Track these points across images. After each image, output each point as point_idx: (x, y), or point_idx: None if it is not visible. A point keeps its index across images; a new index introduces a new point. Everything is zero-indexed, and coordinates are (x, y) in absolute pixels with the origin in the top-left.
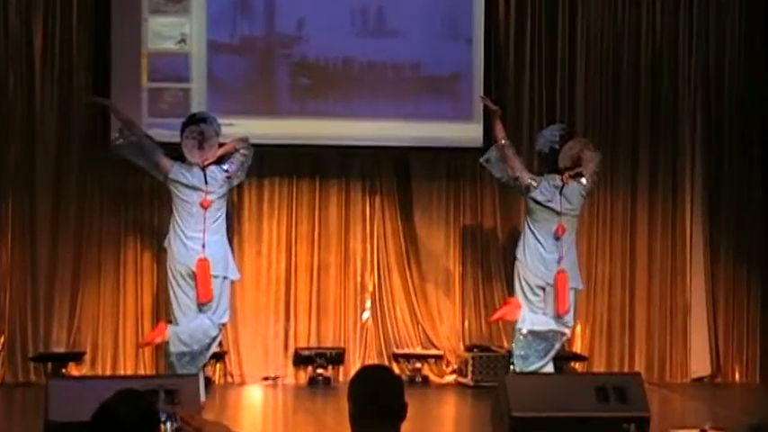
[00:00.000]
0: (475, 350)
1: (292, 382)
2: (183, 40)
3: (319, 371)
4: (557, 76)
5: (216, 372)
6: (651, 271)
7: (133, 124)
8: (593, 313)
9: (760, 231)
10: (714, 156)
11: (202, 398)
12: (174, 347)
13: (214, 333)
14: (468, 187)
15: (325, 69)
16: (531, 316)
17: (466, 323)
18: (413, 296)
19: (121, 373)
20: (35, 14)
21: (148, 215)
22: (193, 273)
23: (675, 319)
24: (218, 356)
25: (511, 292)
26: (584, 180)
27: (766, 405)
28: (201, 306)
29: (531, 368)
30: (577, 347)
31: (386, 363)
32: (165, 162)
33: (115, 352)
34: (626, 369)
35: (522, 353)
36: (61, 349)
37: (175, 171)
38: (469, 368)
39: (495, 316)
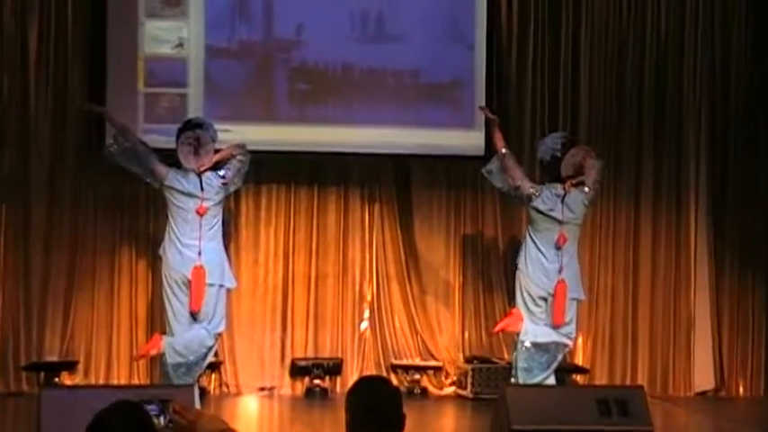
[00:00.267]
0: (475, 362)
1: (289, 392)
2: (180, 45)
3: (316, 381)
4: (559, 82)
5: (211, 382)
6: (654, 282)
7: (128, 131)
8: (596, 325)
9: (766, 243)
10: (719, 164)
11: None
12: (170, 358)
13: (210, 343)
14: (468, 196)
15: (324, 75)
16: (533, 328)
17: (466, 334)
18: (412, 306)
19: (115, 382)
20: (30, 17)
21: (144, 222)
22: (188, 280)
23: (679, 332)
24: (214, 366)
25: (512, 302)
26: (586, 188)
27: None
28: (194, 314)
29: (535, 380)
30: (579, 359)
31: (384, 374)
32: (161, 168)
33: (109, 361)
34: (628, 382)
35: (525, 365)
36: (54, 358)
37: (171, 178)
38: (469, 380)
39: (497, 328)
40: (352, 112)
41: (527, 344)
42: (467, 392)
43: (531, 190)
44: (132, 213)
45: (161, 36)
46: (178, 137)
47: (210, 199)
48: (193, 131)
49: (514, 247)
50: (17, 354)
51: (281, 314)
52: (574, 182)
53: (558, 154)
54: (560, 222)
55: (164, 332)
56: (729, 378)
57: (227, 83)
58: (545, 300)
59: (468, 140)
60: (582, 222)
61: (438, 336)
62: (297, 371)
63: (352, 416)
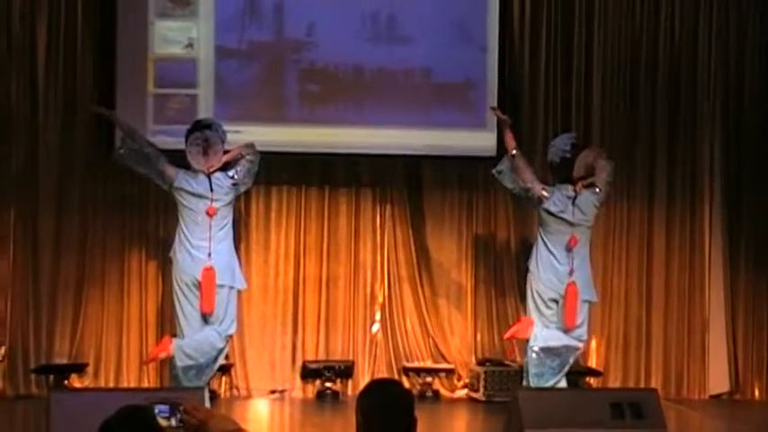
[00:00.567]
0: (487, 364)
1: (300, 395)
2: (190, 45)
3: (327, 384)
4: (572, 84)
5: (221, 385)
6: (668, 285)
7: (135, 133)
8: (609, 327)
9: None
10: (733, 167)
11: None
12: (180, 362)
13: (221, 345)
14: (480, 197)
15: (334, 76)
16: (543, 333)
17: (478, 336)
18: (423, 308)
19: (125, 385)
20: (39, 18)
21: (153, 224)
22: (199, 282)
23: (693, 334)
24: (224, 369)
25: (524, 304)
26: (597, 189)
27: None
28: (206, 316)
29: (547, 385)
30: (592, 362)
31: (395, 376)
32: (170, 170)
33: (118, 364)
34: (642, 385)
35: (537, 371)
36: (63, 361)
37: (180, 179)
38: (481, 382)
39: (508, 334)
40: (363, 113)
41: (536, 349)
42: (479, 395)
43: (543, 192)
44: (142, 215)
45: (171, 36)
46: (187, 138)
47: (220, 200)
48: (202, 132)
49: (527, 249)
50: (26, 356)
51: (291, 316)
52: (585, 183)
53: (568, 155)
54: (571, 224)
55: (174, 335)
56: (744, 381)
57: (237, 83)
58: (556, 302)
59: (480, 141)
60: (593, 224)
61: (450, 338)
62: (308, 373)
63: (364, 419)
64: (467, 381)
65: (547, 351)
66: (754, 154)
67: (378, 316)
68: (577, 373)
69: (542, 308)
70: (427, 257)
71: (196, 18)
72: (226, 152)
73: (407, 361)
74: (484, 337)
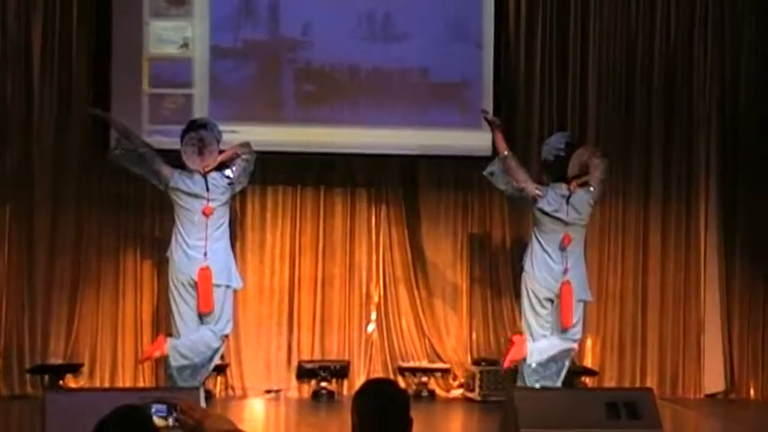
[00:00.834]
0: (482, 364)
1: (295, 395)
2: (185, 45)
3: (323, 384)
4: (568, 82)
5: (217, 385)
6: (664, 284)
7: (130, 134)
8: (605, 327)
9: None
10: (729, 166)
11: None
12: (175, 361)
13: (216, 345)
14: (476, 197)
15: (330, 75)
16: (538, 346)
17: (473, 336)
18: (419, 308)
19: (120, 385)
20: (34, 18)
21: (149, 224)
22: (195, 282)
23: (689, 334)
24: (220, 369)
25: (519, 303)
26: (591, 188)
27: None
28: (202, 316)
29: None
30: (588, 362)
31: (391, 376)
32: (166, 170)
33: (114, 363)
34: (637, 384)
35: (538, 385)
36: (59, 361)
37: (176, 179)
38: (477, 382)
39: (507, 362)
40: (359, 113)
41: (534, 366)
42: (474, 395)
43: (537, 191)
44: (137, 215)
45: (166, 36)
46: (182, 138)
47: (217, 199)
48: (197, 132)
49: (522, 249)
50: (21, 356)
51: (287, 316)
52: (579, 182)
53: (562, 153)
54: (566, 223)
55: (169, 334)
56: (740, 380)
57: (232, 83)
58: (551, 301)
59: (476, 141)
60: (587, 223)
61: (445, 338)
62: (303, 373)
63: (360, 419)
64: (462, 380)
65: (544, 363)
66: (750, 153)
67: (373, 316)
68: (573, 373)
69: (537, 307)
70: (423, 257)
71: (191, 18)
72: (221, 152)
73: (403, 361)
74: (479, 336)
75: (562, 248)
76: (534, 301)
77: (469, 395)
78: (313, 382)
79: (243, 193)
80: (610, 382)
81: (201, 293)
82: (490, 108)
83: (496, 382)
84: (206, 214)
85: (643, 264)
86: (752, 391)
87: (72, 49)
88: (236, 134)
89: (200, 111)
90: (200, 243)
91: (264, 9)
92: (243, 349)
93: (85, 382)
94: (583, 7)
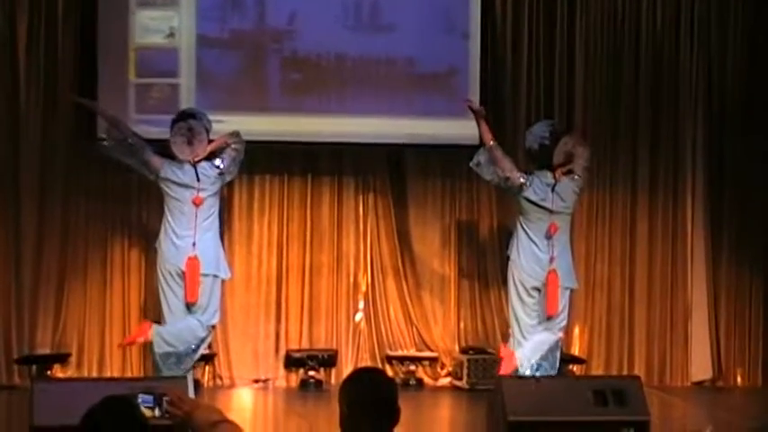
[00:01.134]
0: (470, 352)
1: (283, 384)
2: (171, 34)
3: (311, 373)
4: (555, 71)
5: (205, 374)
6: (651, 272)
7: (119, 123)
8: (592, 315)
9: (762, 233)
10: (716, 154)
11: None
12: (159, 348)
13: (202, 334)
14: (463, 185)
15: (317, 64)
16: (524, 355)
17: (461, 324)
18: (407, 297)
19: (108, 374)
20: (19, 8)
21: (136, 213)
22: (182, 272)
23: (676, 321)
24: (207, 358)
25: (506, 291)
26: (575, 176)
27: None
28: (189, 306)
29: None
30: (575, 350)
31: (379, 365)
32: (156, 161)
33: (101, 353)
34: (625, 372)
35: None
36: (46, 351)
37: (166, 169)
38: (464, 371)
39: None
40: (346, 102)
41: (528, 372)
42: (462, 383)
43: (522, 180)
44: (124, 204)
45: (152, 26)
46: (171, 128)
47: (207, 189)
48: (186, 122)
49: (510, 237)
50: (9, 347)
51: (275, 306)
52: (564, 170)
53: (547, 142)
54: (551, 212)
55: (156, 322)
56: (727, 368)
57: (218, 73)
58: (538, 290)
59: (463, 130)
60: (573, 211)
61: (433, 326)
62: (291, 362)
63: (347, 408)
64: (450, 369)
65: (537, 364)
66: (737, 142)
67: (361, 305)
68: (561, 361)
69: (524, 296)
70: (410, 246)
71: (177, 7)
72: (211, 141)
73: (391, 349)
74: (467, 325)
75: (548, 237)
76: (521, 290)
77: (457, 383)
78: (301, 371)
79: (230, 182)
80: (597, 369)
81: (189, 283)
82: (477, 97)
83: (484, 370)
84: (196, 204)
85: (630, 252)
86: (738, 379)
87: (58, 39)
88: (222, 124)
89: (186, 100)
90: (189, 233)
91: None
92: (231, 339)
93: (73, 372)
94: None
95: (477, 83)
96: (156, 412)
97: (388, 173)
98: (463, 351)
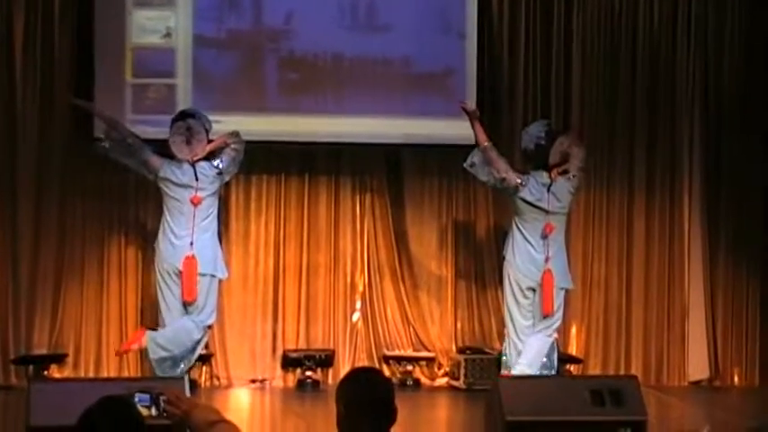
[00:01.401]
0: (467, 352)
1: (280, 384)
2: (168, 34)
3: (308, 373)
4: (552, 71)
5: (202, 374)
6: (648, 272)
7: (117, 124)
8: (589, 315)
9: (759, 232)
10: (713, 154)
11: None
12: (153, 354)
13: (198, 336)
14: (460, 185)
15: (314, 64)
16: (526, 362)
17: (458, 324)
18: (404, 297)
19: (105, 375)
20: (16, 7)
21: (133, 213)
22: (180, 271)
23: (673, 321)
24: (204, 359)
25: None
26: (571, 176)
27: (766, 408)
28: (186, 305)
29: None
30: (572, 349)
31: (376, 365)
32: (155, 160)
33: (98, 354)
34: (622, 371)
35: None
36: (43, 351)
37: (165, 169)
38: (462, 371)
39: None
40: (343, 102)
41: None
42: (460, 383)
43: (518, 180)
44: (121, 204)
45: (149, 26)
46: (171, 128)
47: (205, 189)
48: (185, 121)
49: (506, 237)
50: (6, 347)
51: (272, 306)
52: (560, 170)
53: (543, 142)
54: (547, 212)
55: (149, 327)
56: (724, 367)
57: (215, 73)
58: (533, 290)
59: (460, 130)
60: (569, 211)
61: (430, 326)
62: (288, 363)
63: (344, 408)
64: (447, 369)
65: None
66: (734, 142)
67: (358, 305)
68: (558, 361)
69: (519, 297)
70: (407, 246)
71: (174, 7)
72: (210, 141)
73: (388, 349)
74: (464, 325)
75: (544, 237)
76: (516, 290)
77: (454, 383)
78: (298, 371)
79: (227, 182)
80: (594, 369)
81: (186, 282)
82: (473, 98)
83: (481, 370)
84: (194, 204)
85: (627, 252)
86: (736, 378)
87: (54, 39)
88: (219, 124)
89: (183, 100)
90: (187, 233)
91: None
92: (228, 339)
93: (70, 373)
94: None
95: (473, 83)
96: (153, 411)
97: (385, 173)
98: (460, 351)
